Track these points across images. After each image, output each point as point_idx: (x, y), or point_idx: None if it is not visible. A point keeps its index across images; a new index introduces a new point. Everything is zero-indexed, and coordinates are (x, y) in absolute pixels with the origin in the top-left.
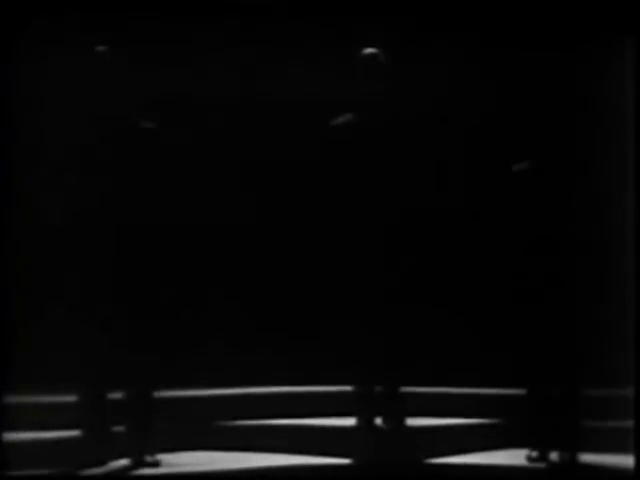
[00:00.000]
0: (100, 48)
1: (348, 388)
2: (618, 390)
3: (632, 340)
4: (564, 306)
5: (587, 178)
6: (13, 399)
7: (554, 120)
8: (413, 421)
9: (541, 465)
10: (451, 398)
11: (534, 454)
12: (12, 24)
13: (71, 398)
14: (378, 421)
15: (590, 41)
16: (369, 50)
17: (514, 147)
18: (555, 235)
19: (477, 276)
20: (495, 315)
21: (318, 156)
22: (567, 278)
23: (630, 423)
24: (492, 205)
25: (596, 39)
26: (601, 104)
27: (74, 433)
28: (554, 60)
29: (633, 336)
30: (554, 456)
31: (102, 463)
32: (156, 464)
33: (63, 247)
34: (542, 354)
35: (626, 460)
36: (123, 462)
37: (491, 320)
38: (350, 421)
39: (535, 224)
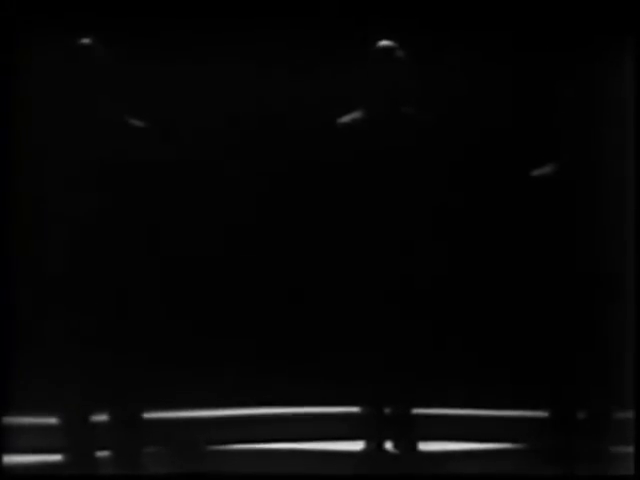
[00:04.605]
0: (100, 50)
1: (356, 409)
2: None
3: (632, 356)
4: (590, 325)
5: (587, 179)
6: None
7: (554, 120)
8: (426, 445)
9: None
10: (468, 420)
11: None
12: (12, 24)
13: (55, 420)
14: (389, 445)
15: (590, 41)
16: (384, 45)
17: (514, 148)
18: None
19: (495, 293)
20: (513, 333)
21: (328, 157)
22: (594, 297)
23: None
24: (495, 208)
25: (596, 39)
26: (601, 104)
27: (57, 457)
28: (553, 60)
29: (634, 353)
30: None
31: None
32: None
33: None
34: (565, 374)
35: None
36: None
37: (509, 338)
38: (359, 445)
39: (546, 233)
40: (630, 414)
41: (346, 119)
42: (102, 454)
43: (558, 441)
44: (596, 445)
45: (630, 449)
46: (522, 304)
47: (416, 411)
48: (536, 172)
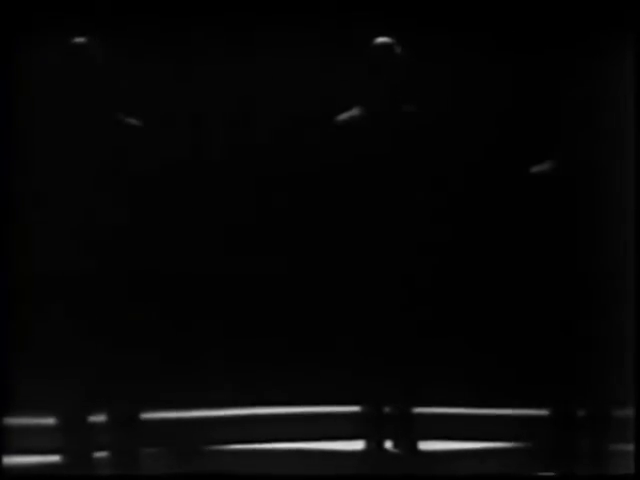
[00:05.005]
0: (102, 49)
1: (356, 408)
2: None
3: (632, 356)
4: (589, 323)
5: (587, 177)
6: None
7: (554, 118)
8: (427, 444)
9: None
10: (468, 419)
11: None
12: (12, 24)
13: (54, 421)
14: (389, 444)
15: (590, 38)
16: (382, 42)
17: (514, 145)
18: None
19: (496, 293)
20: (513, 331)
21: (326, 155)
22: (590, 295)
23: None
24: (495, 206)
25: (596, 36)
26: (601, 101)
27: (56, 458)
28: (553, 57)
29: (633, 353)
30: None
31: None
32: None
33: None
34: (565, 373)
35: None
36: None
37: (509, 337)
38: (359, 444)
39: (546, 233)
40: (630, 412)
41: (344, 116)
42: (101, 455)
43: (559, 440)
44: (597, 444)
45: (630, 447)
46: (523, 303)
47: (416, 410)
48: (536, 170)
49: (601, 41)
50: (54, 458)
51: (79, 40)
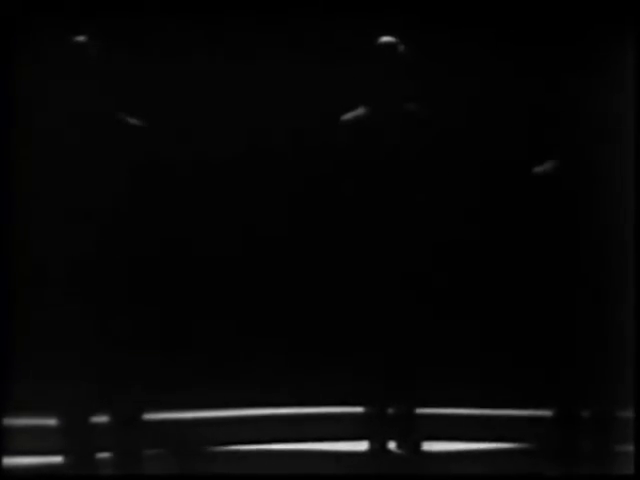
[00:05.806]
0: (102, 49)
1: (360, 409)
2: None
3: (632, 356)
4: (596, 323)
5: (587, 178)
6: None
7: (552, 119)
8: (430, 445)
9: None
10: (471, 420)
11: None
12: (12, 24)
13: (54, 422)
14: (392, 445)
15: (589, 35)
16: (386, 41)
17: (514, 143)
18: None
19: (498, 294)
20: (515, 332)
21: (331, 155)
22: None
23: None
24: (497, 207)
25: (595, 33)
26: (601, 101)
27: (58, 459)
28: (551, 57)
29: (633, 353)
30: None
31: None
32: None
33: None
34: (567, 372)
35: None
36: None
37: (511, 337)
38: (362, 445)
39: (548, 233)
40: (630, 413)
41: (349, 116)
42: (102, 455)
43: (560, 440)
44: (599, 444)
45: (631, 448)
46: (525, 305)
47: (420, 411)
48: (536, 169)
49: (601, 39)
50: (56, 459)
51: (78, 40)
